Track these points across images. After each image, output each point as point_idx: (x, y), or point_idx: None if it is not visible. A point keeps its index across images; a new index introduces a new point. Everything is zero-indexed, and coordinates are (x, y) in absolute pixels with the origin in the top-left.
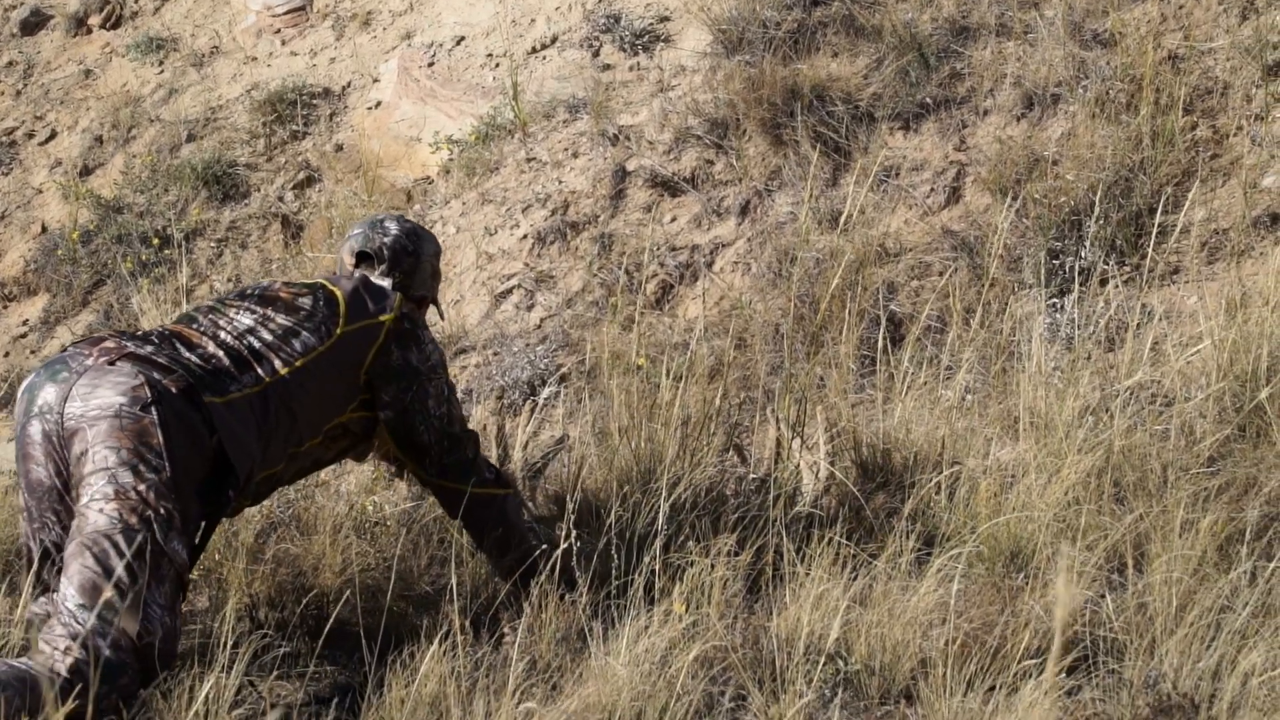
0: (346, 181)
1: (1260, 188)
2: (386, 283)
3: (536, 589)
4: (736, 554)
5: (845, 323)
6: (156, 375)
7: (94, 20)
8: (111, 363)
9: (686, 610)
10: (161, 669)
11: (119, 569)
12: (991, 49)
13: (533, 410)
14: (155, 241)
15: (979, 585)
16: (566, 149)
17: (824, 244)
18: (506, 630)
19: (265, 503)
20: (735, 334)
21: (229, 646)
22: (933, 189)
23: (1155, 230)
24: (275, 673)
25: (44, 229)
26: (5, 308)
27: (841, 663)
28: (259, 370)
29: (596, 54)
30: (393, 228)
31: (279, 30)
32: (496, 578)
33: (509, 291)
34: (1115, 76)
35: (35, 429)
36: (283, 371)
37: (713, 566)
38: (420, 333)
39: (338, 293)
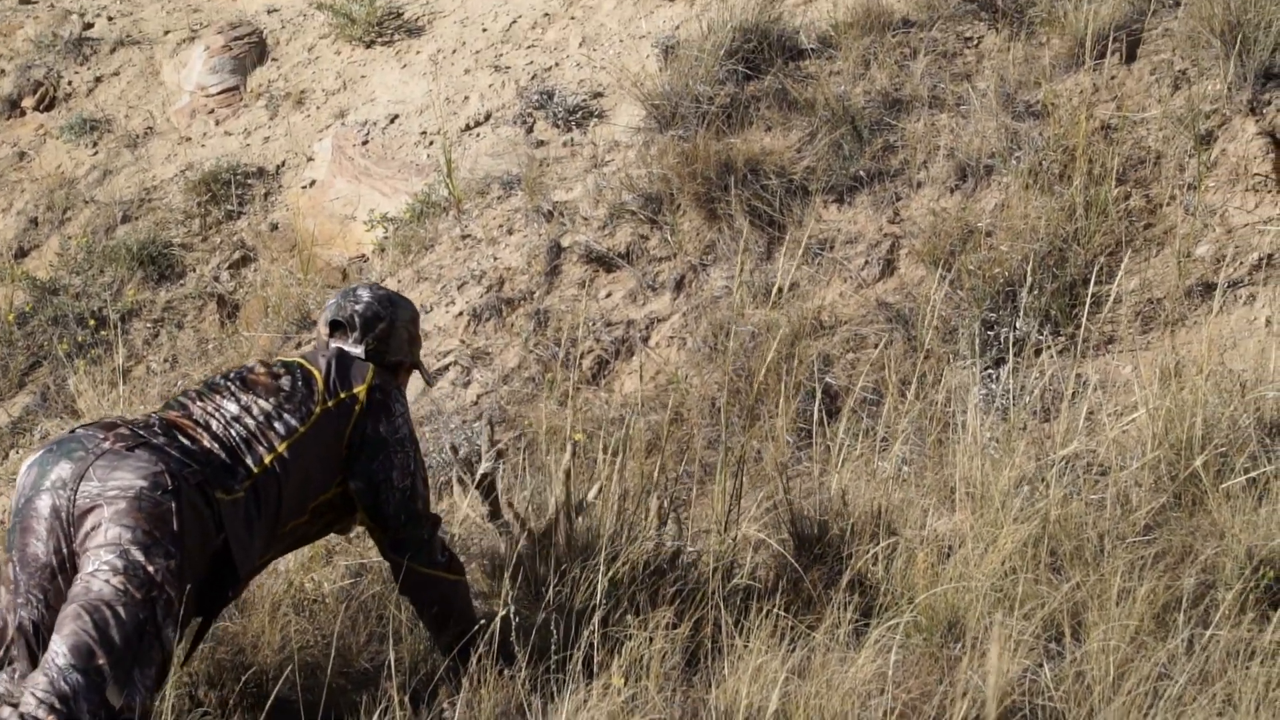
0: (282, 260)
1: (1194, 257)
2: (359, 350)
3: (475, 663)
4: (675, 626)
5: (781, 395)
6: (175, 466)
7: (27, 102)
8: (130, 449)
9: (625, 683)
10: None
11: (117, 639)
12: (924, 121)
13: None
14: (91, 323)
15: (917, 655)
16: (501, 225)
17: (759, 317)
18: (445, 705)
19: None
20: (672, 408)
21: None
22: (867, 261)
23: (1089, 300)
24: None
25: None
26: None
27: None
28: (248, 461)
29: (530, 130)
30: (365, 295)
31: (213, 110)
32: (436, 652)
33: (446, 368)
34: (1048, 147)
35: (44, 503)
36: (267, 460)
37: (651, 639)
38: (392, 404)
39: (315, 371)
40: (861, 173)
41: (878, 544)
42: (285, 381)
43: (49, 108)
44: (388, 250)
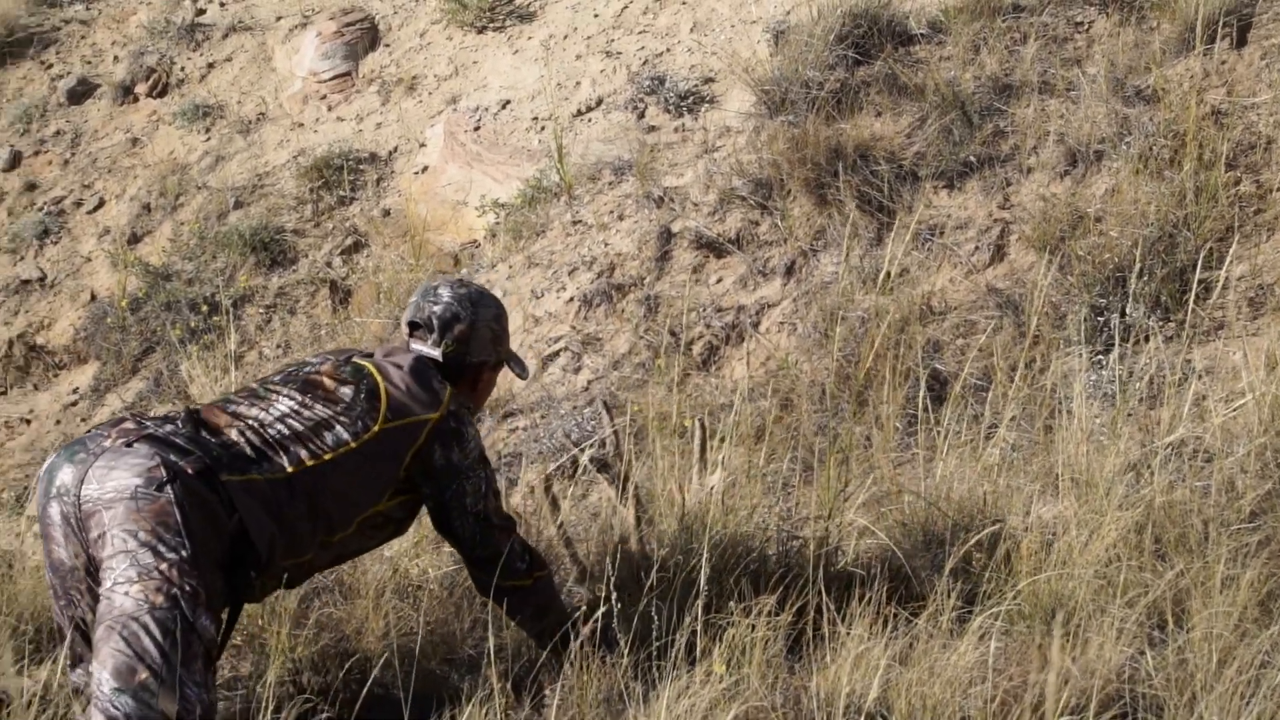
0: (394, 246)
1: None
2: (437, 352)
3: (577, 648)
4: (777, 613)
5: (890, 381)
6: (173, 457)
7: (140, 89)
8: (129, 444)
9: (727, 670)
10: None
11: (151, 650)
12: (1034, 106)
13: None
14: (204, 308)
15: (1019, 643)
16: (612, 211)
17: (868, 303)
18: (547, 692)
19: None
20: (781, 394)
21: (271, 711)
22: (977, 247)
23: (1198, 286)
24: None
25: (93, 297)
26: (56, 375)
27: None
28: (282, 459)
29: (641, 116)
30: (445, 294)
31: (325, 96)
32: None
33: (556, 354)
34: (1158, 132)
35: (54, 511)
36: (309, 463)
37: (753, 627)
38: (465, 429)
39: (381, 386)
40: (971, 158)
41: (982, 531)
42: (347, 391)
43: (162, 94)
44: (499, 236)
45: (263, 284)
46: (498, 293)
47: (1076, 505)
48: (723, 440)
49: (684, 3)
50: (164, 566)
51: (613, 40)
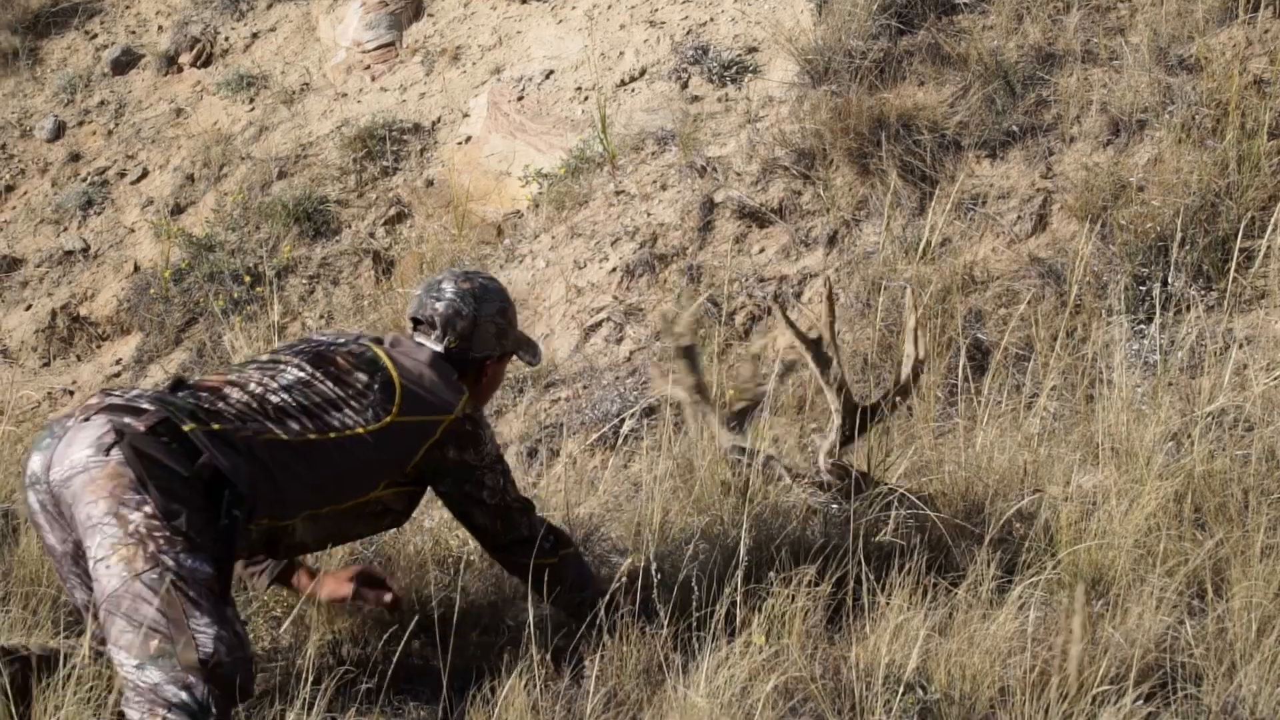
0: (437, 216)
1: None
2: (440, 347)
3: (617, 620)
4: (816, 584)
5: (932, 352)
6: (126, 419)
7: (184, 59)
8: (87, 419)
9: (766, 641)
10: (242, 680)
11: (152, 615)
12: (1077, 76)
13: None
14: (247, 279)
15: (1059, 612)
16: (655, 181)
17: (911, 273)
18: (587, 663)
19: (349, 543)
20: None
21: (310, 683)
22: (1019, 217)
23: (1240, 255)
24: (356, 708)
25: (136, 268)
26: (99, 347)
27: (921, 691)
28: (277, 427)
29: (685, 86)
30: (448, 290)
31: (369, 66)
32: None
33: (598, 325)
34: (1201, 102)
35: (33, 500)
36: (310, 436)
37: (793, 597)
38: (480, 431)
39: (396, 380)
40: (1014, 128)
41: (1022, 500)
42: (361, 377)
43: (206, 64)
44: (542, 206)
45: (306, 254)
46: (541, 263)
47: (1117, 474)
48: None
49: None
50: (132, 528)
51: (656, 10)
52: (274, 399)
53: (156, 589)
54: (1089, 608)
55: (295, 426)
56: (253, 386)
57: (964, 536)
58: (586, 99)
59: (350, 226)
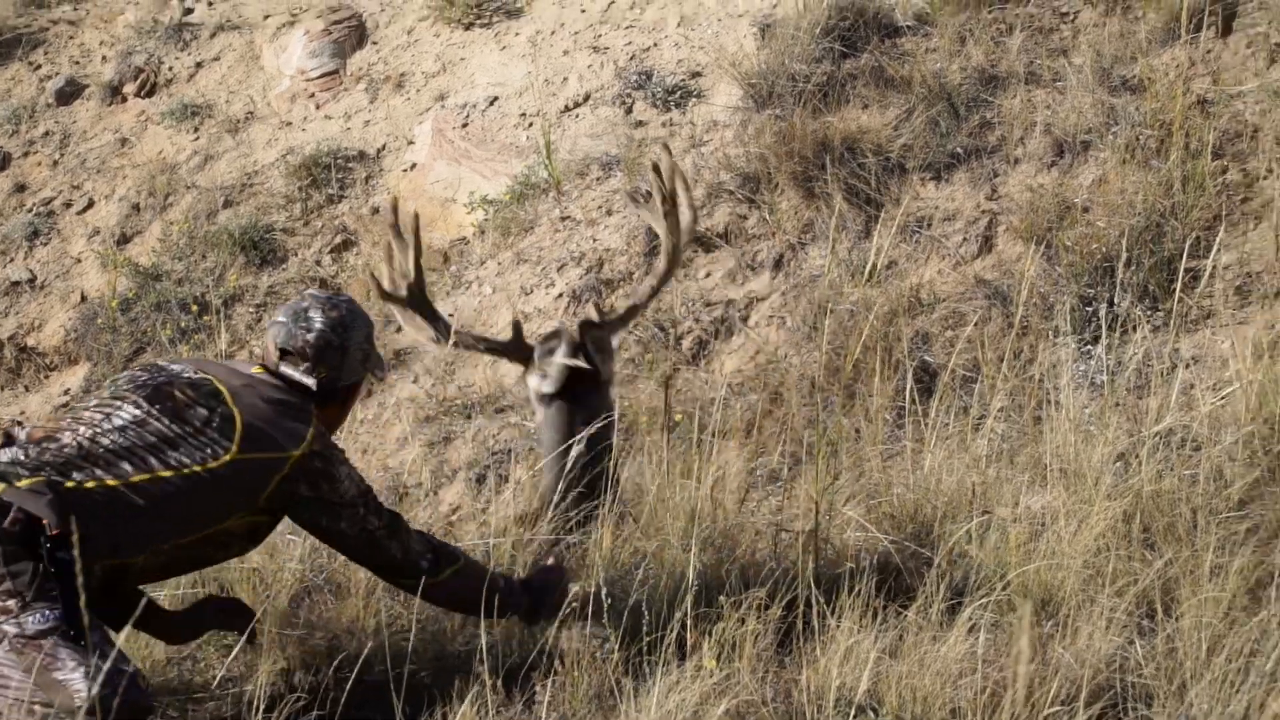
0: (383, 244)
1: None
2: (311, 380)
3: (568, 645)
4: (767, 607)
5: (878, 374)
6: None
7: (129, 89)
8: None
9: (718, 665)
10: (132, 699)
11: (17, 685)
12: (1021, 97)
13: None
14: (194, 308)
15: (1009, 634)
16: (600, 207)
17: (857, 295)
18: (539, 687)
19: (295, 565)
20: (771, 388)
21: (263, 711)
22: (965, 239)
23: (1185, 275)
24: None
25: (83, 298)
26: (47, 377)
27: (872, 714)
28: (106, 472)
29: (629, 111)
30: (317, 320)
31: (313, 94)
32: (524, 629)
33: None
34: (1144, 122)
35: None
36: (135, 479)
37: (743, 621)
38: (332, 467)
39: (237, 416)
40: (958, 150)
41: (971, 522)
42: (200, 413)
43: (150, 94)
44: (487, 233)
45: (253, 283)
46: (487, 289)
47: (1065, 495)
48: (714, 435)
49: None
50: None
51: (600, 36)
52: (105, 440)
53: (13, 662)
54: (1039, 629)
55: (127, 468)
56: (82, 430)
57: (913, 558)
58: (531, 125)
59: (296, 254)
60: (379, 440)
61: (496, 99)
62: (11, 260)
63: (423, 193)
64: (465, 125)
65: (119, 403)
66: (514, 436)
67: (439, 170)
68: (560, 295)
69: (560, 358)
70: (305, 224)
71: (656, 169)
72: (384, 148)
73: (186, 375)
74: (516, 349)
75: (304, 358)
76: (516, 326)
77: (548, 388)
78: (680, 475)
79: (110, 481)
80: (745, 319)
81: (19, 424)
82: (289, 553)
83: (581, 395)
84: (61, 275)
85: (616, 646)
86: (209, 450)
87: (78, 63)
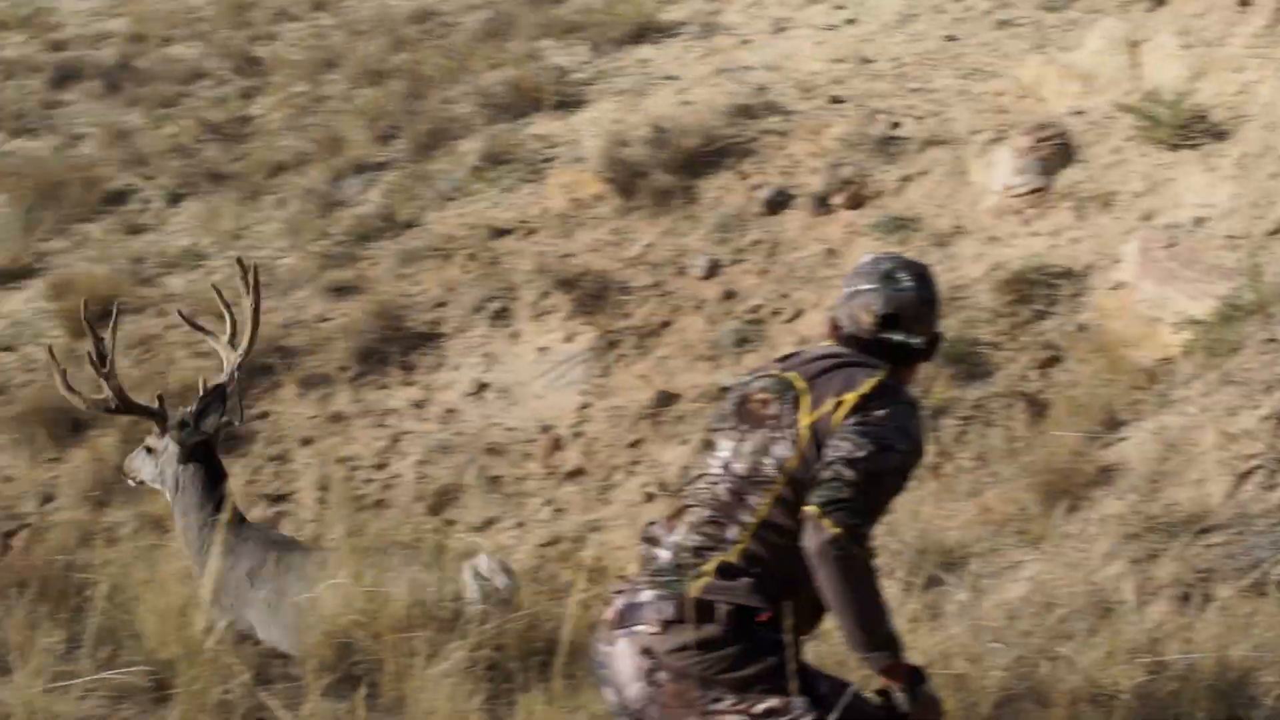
0: (1090, 361)
1: None
2: (918, 340)
3: None
4: None
5: None
6: (639, 627)
7: (836, 200)
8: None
9: None
10: None
11: None
12: None
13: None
14: None
15: None
16: None
17: None
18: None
19: (999, 673)
20: None
21: None
22: None
23: None
24: None
25: None
26: None
27: None
28: (731, 529)
29: None
30: (906, 279)
31: (1020, 210)
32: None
33: (1251, 471)
34: None
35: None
36: (761, 513)
37: None
38: (898, 392)
39: (798, 384)
40: None
41: None
42: (774, 407)
43: (857, 205)
44: (1193, 353)
45: (959, 395)
46: (1192, 409)
47: None
48: None
49: None
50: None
51: None
52: (716, 495)
53: None
54: None
55: (743, 511)
56: (702, 494)
57: None
58: (1237, 247)
59: (1003, 369)
60: (1084, 555)
61: (1202, 219)
62: (720, 366)
63: (1129, 311)
64: (1172, 245)
65: (720, 440)
66: (1218, 557)
67: (1145, 289)
68: (1267, 417)
69: None
70: (1012, 339)
71: None
72: (1090, 265)
73: (766, 378)
74: None
75: (906, 320)
76: None
77: None
78: None
79: (739, 542)
80: None
81: (651, 523)
82: (993, 660)
83: None
84: None
85: None
86: (789, 433)
87: (786, 173)
